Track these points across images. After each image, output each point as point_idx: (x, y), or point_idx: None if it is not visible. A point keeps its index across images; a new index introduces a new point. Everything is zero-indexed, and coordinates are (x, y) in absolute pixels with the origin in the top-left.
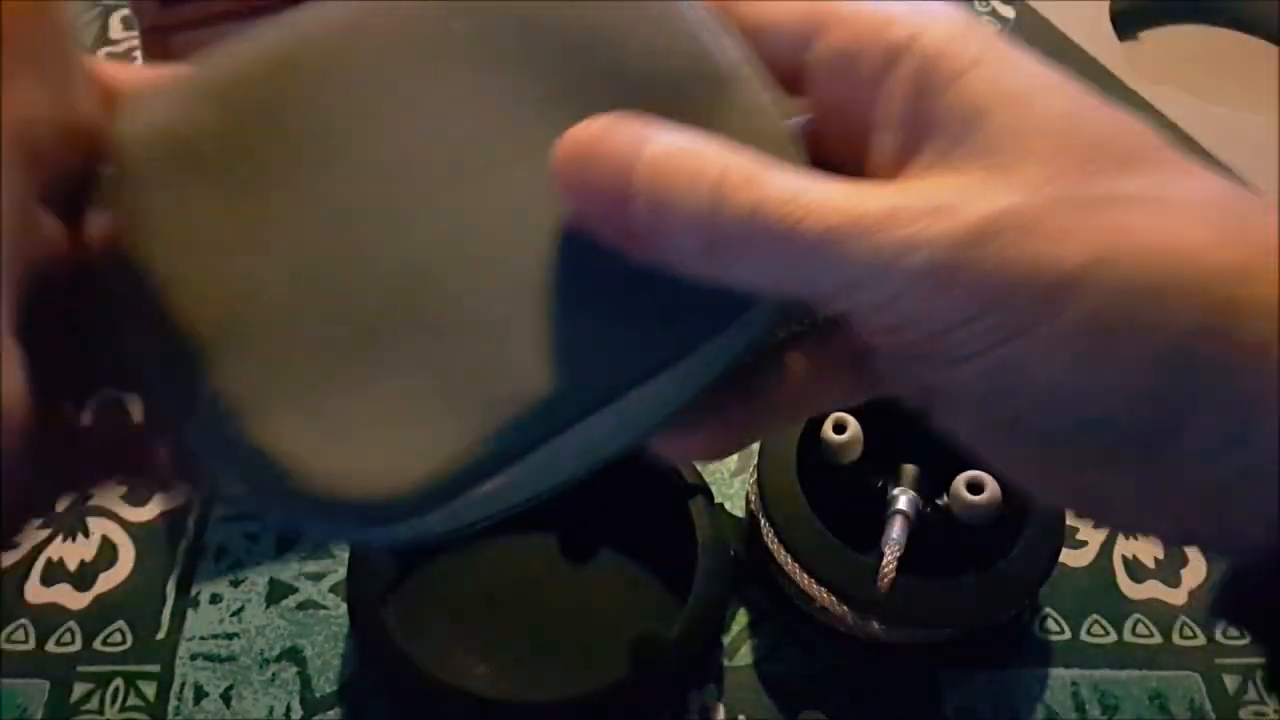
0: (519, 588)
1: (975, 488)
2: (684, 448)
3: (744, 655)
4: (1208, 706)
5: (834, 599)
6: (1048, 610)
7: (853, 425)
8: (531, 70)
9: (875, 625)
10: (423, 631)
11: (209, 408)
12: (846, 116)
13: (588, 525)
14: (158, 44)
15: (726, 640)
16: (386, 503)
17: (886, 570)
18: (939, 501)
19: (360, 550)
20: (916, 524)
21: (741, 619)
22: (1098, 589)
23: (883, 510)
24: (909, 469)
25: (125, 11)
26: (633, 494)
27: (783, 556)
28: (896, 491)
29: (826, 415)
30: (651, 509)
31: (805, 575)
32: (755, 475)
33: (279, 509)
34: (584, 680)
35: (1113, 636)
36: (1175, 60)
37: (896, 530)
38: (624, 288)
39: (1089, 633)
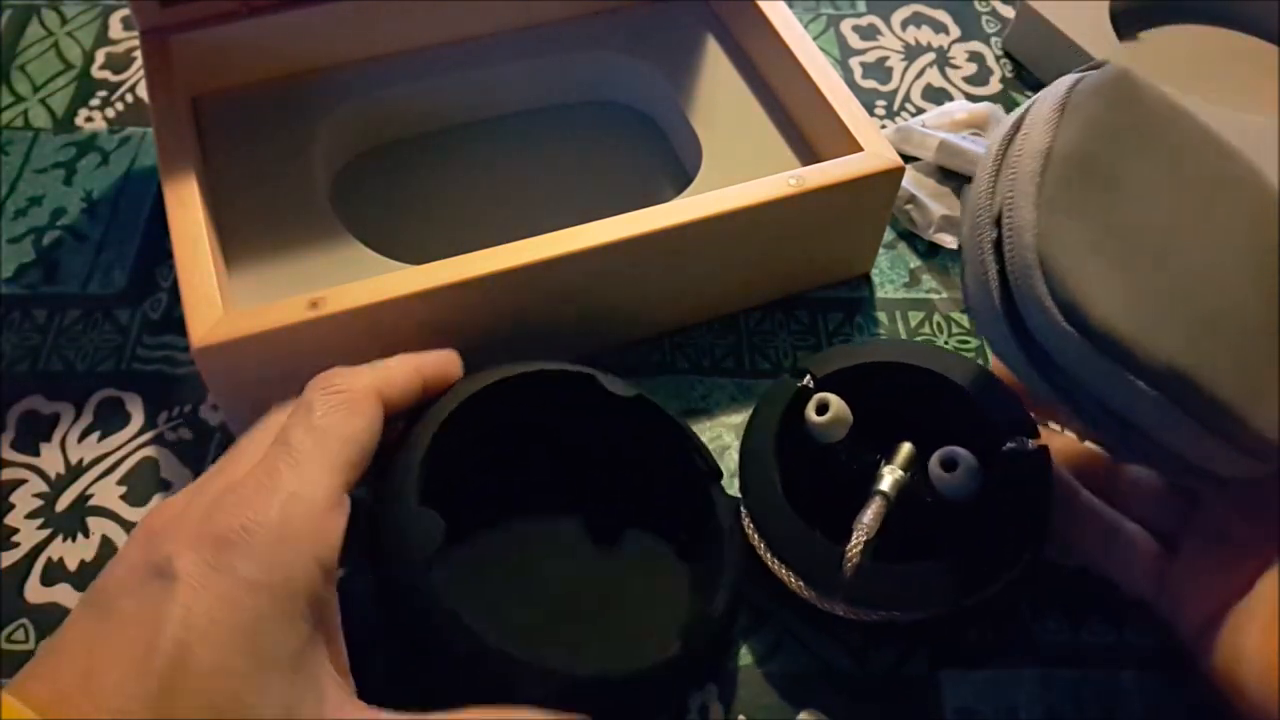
0: (545, 573)
1: (949, 464)
2: None
3: (743, 655)
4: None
5: (802, 583)
6: (1048, 610)
7: (836, 404)
8: None
9: (841, 609)
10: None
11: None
12: None
13: (610, 510)
14: (157, 44)
15: None
16: None
17: (851, 554)
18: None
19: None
20: (901, 506)
21: (741, 619)
22: (1098, 589)
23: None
24: (905, 448)
25: (125, 11)
26: (654, 478)
27: (755, 539)
28: (884, 470)
29: (809, 397)
30: (673, 494)
31: (774, 559)
32: (739, 462)
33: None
34: (632, 656)
35: (1112, 636)
36: (1175, 60)
37: (869, 514)
38: None
39: (1089, 632)
